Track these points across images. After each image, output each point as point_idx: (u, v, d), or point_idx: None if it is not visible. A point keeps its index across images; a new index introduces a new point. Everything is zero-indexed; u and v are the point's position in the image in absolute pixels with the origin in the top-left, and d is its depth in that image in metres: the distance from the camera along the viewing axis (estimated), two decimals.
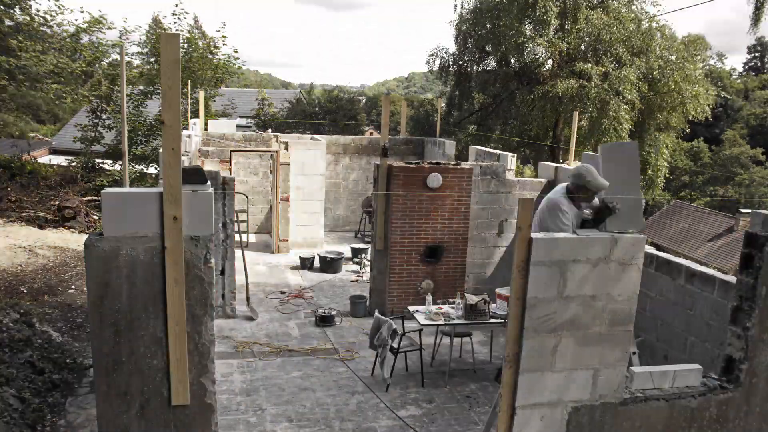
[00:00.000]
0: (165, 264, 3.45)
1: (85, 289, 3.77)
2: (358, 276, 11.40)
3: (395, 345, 7.09)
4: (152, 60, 17.29)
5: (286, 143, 12.91)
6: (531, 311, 3.67)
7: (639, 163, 5.04)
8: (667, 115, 19.68)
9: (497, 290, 7.80)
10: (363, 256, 11.79)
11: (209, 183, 3.70)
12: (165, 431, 3.66)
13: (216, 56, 18.81)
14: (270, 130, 18.88)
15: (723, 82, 44.70)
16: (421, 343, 7.34)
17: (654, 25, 20.02)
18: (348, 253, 12.35)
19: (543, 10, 18.49)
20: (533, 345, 3.72)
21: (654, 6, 21.14)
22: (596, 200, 5.05)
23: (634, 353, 5.34)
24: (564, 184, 5.35)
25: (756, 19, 17.79)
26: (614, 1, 20.26)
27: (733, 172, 43.49)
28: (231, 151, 13.01)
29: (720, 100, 27.77)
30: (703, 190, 43.90)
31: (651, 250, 7.04)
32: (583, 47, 19.04)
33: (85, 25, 16.34)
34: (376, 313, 7.36)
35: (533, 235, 3.63)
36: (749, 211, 16.29)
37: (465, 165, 9.43)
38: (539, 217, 5.23)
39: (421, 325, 7.23)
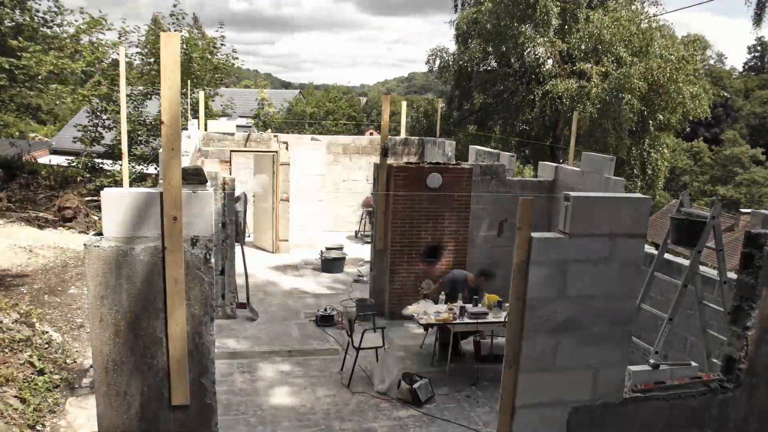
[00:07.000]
0: (165, 264, 3.44)
1: (85, 289, 3.76)
2: (359, 276, 11.39)
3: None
4: (151, 60, 17.26)
5: (286, 143, 12.91)
6: (531, 311, 3.67)
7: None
8: (668, 114, 19.66)
9: None
10: (361, 269, 11.72)
11: (209, 183, 3.70)
12: (165, 431, 3.66)
13: (215, 56, 18.78)
14: (270, 130, 18.87)
15: (723, 82, 44.69)
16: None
17: (654, 24, 19.97)
18: (348, 253, 12.32)
19: (544, 10, 18.47)
20: (533, 345, 3.72)
21: (654, 6, 21.07)
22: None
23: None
24: None
25: (758, 18, 17.89)
26: (613, 2, 20.24)
27: (733, 172, 43.48)
28: (231, 151, 13.02)
29: (720, 99, 27.72)
30: (704, 190, 43.92)
31: (651, 250, 7.04)
32: (583, 47, 18.99)
33: (85, 26, 16.31)
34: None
35: (533, 234, 3.62)
36: (749, 211, 16.28)
37: (465, 165, 9.42)
38: None
39: (421, 324, 7.24)
